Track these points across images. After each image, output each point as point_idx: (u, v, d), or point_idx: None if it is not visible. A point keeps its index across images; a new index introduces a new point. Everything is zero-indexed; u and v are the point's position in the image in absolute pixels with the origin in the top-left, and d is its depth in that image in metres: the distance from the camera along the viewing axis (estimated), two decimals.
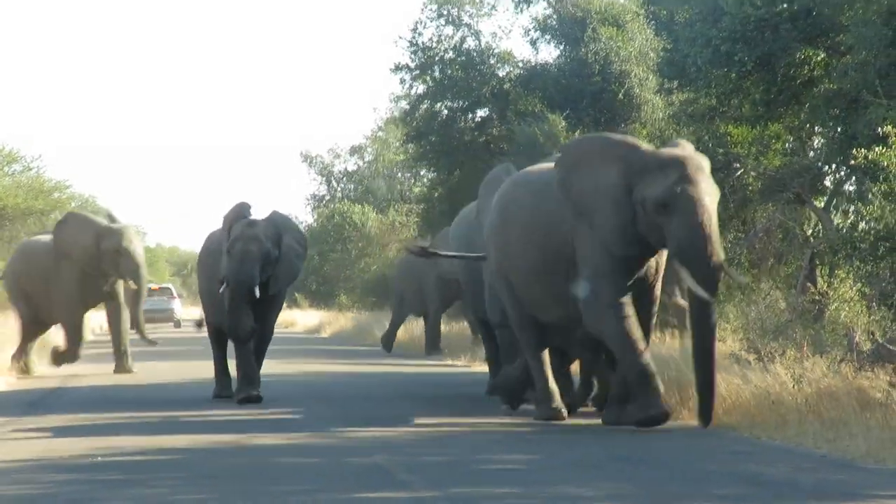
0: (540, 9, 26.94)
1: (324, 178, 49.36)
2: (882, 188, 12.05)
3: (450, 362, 22.52)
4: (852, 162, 13.19)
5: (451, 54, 27.69)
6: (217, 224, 15.47)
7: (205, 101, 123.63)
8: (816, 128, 16.60)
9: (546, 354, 12.55)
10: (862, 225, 12.50)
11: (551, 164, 12.25)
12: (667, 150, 11.46)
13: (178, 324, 42.61)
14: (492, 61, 27.56)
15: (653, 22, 24.61)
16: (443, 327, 26.30)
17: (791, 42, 15.42)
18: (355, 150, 49.17)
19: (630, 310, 11.37)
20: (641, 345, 11.35)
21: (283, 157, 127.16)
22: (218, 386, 15.49)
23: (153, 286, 40.62)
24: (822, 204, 16.40)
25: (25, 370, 19.79)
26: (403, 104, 29.17)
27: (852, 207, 16.04)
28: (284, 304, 17.28)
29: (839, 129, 15.58)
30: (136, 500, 8.06)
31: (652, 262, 11.62)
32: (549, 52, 39.04)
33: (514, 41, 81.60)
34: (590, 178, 11.50)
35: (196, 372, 18.40)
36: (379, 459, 9.69)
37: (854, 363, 11.58)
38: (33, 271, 19.91)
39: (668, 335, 16.29)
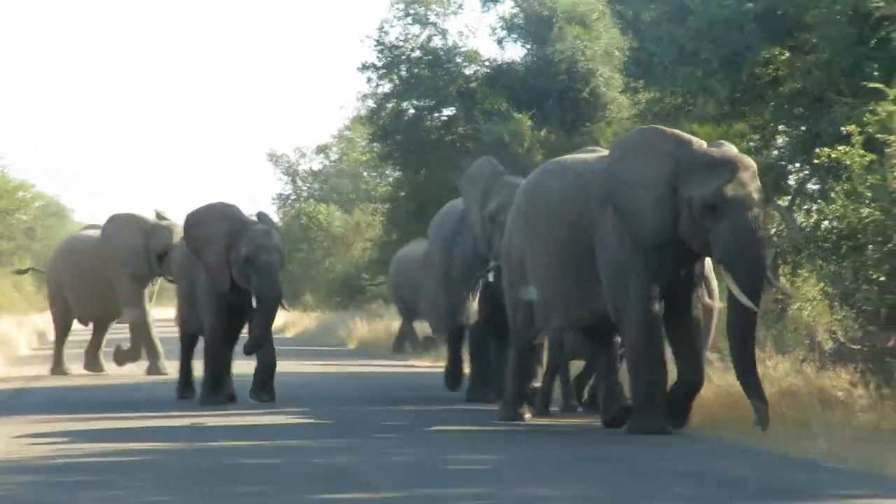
0: (506, 7, 27.02)
1: (289, 178, 49.21)
2: (845, 187, 12.05)
3: (413, 362, 22.49)
4: (816, 161, 13.22)
5: (417, 53, 27.69)
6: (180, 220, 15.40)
7: (171, 97, 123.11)
8: (780, 127, 16.66)
9: (532, 358, 12.22)
10: (825, 224, 12.49)
11: (584, 156, 11.85)
12: (717, 150, 10.91)
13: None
14: (458, 60, 27.58)
15: (619, 21, 24.66)
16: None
17: (757, 41, 15.47)
18: (321, 149, 49.06)
19: (657, 318, 10.89)
20: (659, 352, 10.90)
21: (250, 155, 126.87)
22: (181, 387, 15.42)
23: None
24: (786, 203, 16.45)
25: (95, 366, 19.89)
26: (370, 103, 29.09)
27: (815, 206, 16.08)
28: None
29: (803, 128, 15.65)
30: (99, 501, 8.00)
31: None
32: (515, 51, 39.06)
33: (480, 40, 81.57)
34: (636, 170, 10.95)
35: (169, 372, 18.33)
36: (343, 460, 9.66)
37: (816, 363, 11.60)
38: (75, 269, 19.60)
39: None
